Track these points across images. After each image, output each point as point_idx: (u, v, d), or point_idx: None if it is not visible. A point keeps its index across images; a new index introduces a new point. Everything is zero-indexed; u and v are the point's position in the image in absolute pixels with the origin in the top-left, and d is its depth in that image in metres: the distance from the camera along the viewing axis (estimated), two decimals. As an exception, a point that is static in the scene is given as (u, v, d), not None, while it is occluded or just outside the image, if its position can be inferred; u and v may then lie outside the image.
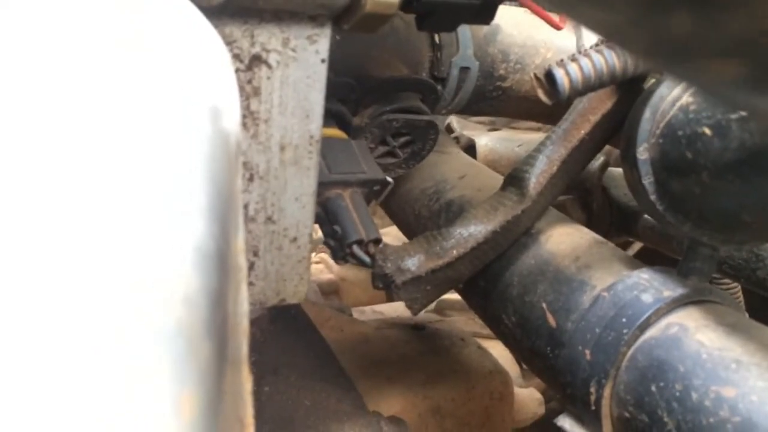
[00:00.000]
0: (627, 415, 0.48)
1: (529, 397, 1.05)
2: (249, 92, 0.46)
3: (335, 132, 0.64)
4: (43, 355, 0.18)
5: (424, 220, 0.73)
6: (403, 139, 0.71)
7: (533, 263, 0.57)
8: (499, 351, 1.03)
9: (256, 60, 0.45)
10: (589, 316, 0.50)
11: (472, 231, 0.57)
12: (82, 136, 0.27)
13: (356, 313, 1.38)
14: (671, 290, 0.49)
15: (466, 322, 1.25)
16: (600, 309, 0.50)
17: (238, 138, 0.39)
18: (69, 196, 0.22)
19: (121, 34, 0.33)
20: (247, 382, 0.30)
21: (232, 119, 0.38)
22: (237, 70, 0.45)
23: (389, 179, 0.63)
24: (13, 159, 0.22)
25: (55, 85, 0.28)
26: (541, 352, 0.54)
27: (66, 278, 0.20)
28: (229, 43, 0.44)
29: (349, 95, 0.68)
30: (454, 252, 0.57)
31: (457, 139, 1.07)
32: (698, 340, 0.46)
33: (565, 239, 0.57)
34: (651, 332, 0.48)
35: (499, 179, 0.72)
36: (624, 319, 0.48)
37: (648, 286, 0.50)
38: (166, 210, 0.26)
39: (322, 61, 0.47)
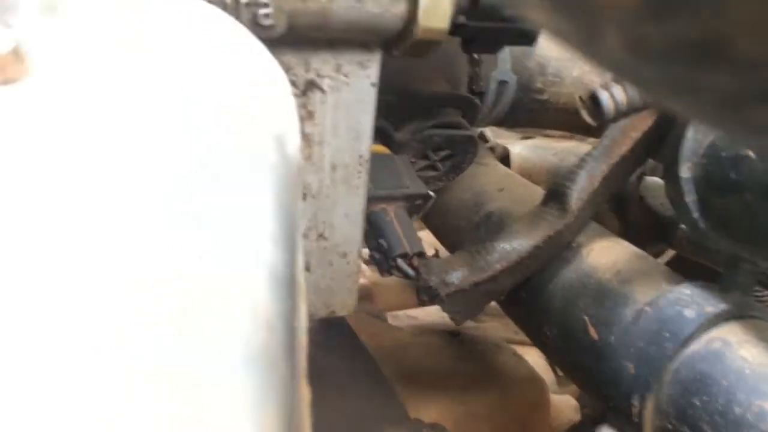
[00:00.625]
0: (669, 427, 0.49)
1: (564, 403, 1.06)
2: (303, 116, 0.48)
3: (379, 148, 0.66)
4: (146, 378, 0.20)
5: (464, 231, 0.75)
6: (443, 153, 0.73)
7: (575, 276, 0.58)
8: (533, 357, 1.04)
9: (311, 85, 0.47)
10: (632, 330, 0.52)
11: (515, 245, 0.59)
12: (160, 165, 0.29)
13: (391, 318, 1.40)
14: (713, 306, 0.50)
15: (501, 328, 1.27)
16: (643, 323, 0.51)
17: (299, 163, 0.41)
18: (151, 227, 0.25)
19: (190, 66, 0.35)
20: (306, 394, 0.32)
21: (293, 145, 0.40)
22: (292, 95, 0.47)
23: (431, 194, 0.65)
24: (102, 192, 0.24)
25: (130, 111, 0.30)
26: (583, 364, 0.56)
27: (159, 310, 0.22)
28: (285, 70, 0.46)
29: (392, 111, 0.69)
30: (498, 266, 0.58)
31: (492, 149, 1.08)
32: (741, 355, 0.47)
33: (605, 253, 0.59)
34: (694, 347, 0.49)
35: (537, 191, 0.74)
36: (667, 334, 0.50)
37: (690, 301, 0.51)
38: (243, 240, 0.28)
39: (372, 85, 0.49)
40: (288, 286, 0.29)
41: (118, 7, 0.35)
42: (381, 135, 0.68)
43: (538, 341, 0.63)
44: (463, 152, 0.73)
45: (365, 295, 1.53)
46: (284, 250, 0.30)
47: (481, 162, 0.85)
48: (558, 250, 0.59)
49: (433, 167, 0.73)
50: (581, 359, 0.56)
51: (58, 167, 0.24)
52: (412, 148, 0.71)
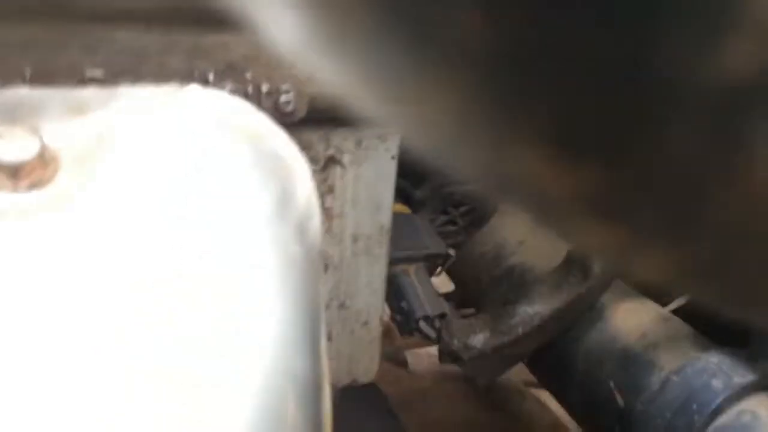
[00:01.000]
0: (700, 500, 0.48)
1: (589, 451, 1.04)
2: (324, 190, 0.48)
3: (398, 207, 0.67)
4: None
5: (485, 285, 0.75)
6: (463, 208, 0.73)
7: (599, 339, 0.58)
8: (556, 404, 1.03)
9: (331, 161, 0.48)
10: (659, 400, 0.51)
11: (537, 309, 0.58)
12: (185, 272, 0.29)
13: (410, 356, 1.39)
14: (741, 376, 0.49)
15: (522, 370, 1.26)
16: (670, 393, 0.51)
17: (320, 245, 0.41)
18: (179, 344, 0.25)
19: (206, 159, 0.35)
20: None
21: (315, 230, 0.40)
22: (312, 171, 0.48)
23: (451, 253, 0.65)
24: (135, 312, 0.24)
25: (151, 212, 0.31)
26: (609, 430, 0.55)
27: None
28: (305, 148, 0.46)
29: (411, 169, 0.70)
30: (520, 330, 0.58)
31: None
32: (772, 429, 0.46)
33: (630, 315, 0.58)
34: (722, 419, 0.48)
35: (558, 244, 0.73)
36: (695, 405, 0.49)
37: (717, 370, 0.50)
38: (273, 353, 0.28)
39: (393, 157, 0.49)
40: (315, 389, 0.29)
41: (142, 103, 0.35)
42: (400, 194, 0.68)
43: (564, 404, 0.62)
44: (483, 206, 0.73)
45: (384, 332, 1.52)
46: (311, 352, 0.30)
47: (500, 211, 0.85)
48: (581, 312, 0.59)
49: (452, 222, 0.74)
50: (608, 426, 0.55)
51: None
52: (431, 206, 0.71)
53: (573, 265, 0.60)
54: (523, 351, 0.59)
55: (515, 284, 0.69)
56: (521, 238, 0.78)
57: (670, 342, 0.55)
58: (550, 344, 0.61)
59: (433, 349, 1.51)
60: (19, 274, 0.27)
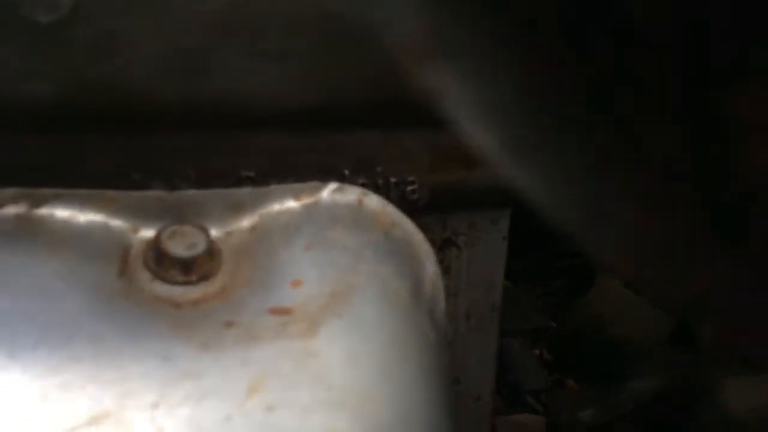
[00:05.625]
0: None
1: None
2: (440, 271, 0.51)
3: (501, 281, 0.68)
4: None
5: (584, 357, 0.75)
6: (562, 281, 0.74)
7: (712, 419, 0.57)
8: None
9: (447, 242, 0.51)
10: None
11: (645, 384, 0.58)
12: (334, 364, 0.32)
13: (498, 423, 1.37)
14: None
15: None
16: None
17: (446, 327, 0.43)
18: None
19: (345, 248, 0.39)
20: None
21: (441, 312, 0.42)
22: (431, 253, 0.51)
23: (553, 324, 0.66)
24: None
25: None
26: None
27: None
28: (424, 231, 0.49)
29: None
30: (629, 406, 0.58)
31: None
32: None
33: (746, 394, 0.58)
34: None
35: (658, 316, 0.73)
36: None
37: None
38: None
39: (504, 238, 0.52)
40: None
41: (290, 200, 0.39)
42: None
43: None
44: (582, 278, 0.74)
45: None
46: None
47: (598, 283, 0.85)
48: (692, 389, 0.59)
49: (552, 294, 0.75)
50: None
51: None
52: (531, 278, 0.73)
53: (682, 340, 0.60)
54: (632, 428, 0.59)
55: (616, 357, 0.69)
56: (620, 309, 0.78)
57: (788, 421, 0.54)
58: (660, 423, 0.60)
59: (521, 417, 1.49)
60: (203, 358, 0.31)
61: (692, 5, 0.09)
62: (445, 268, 0.51)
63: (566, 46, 0.10)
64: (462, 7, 0.10)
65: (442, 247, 0.50)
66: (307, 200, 0.39)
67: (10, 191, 0.33)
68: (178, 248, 0.35)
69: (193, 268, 0.35)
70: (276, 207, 0.38)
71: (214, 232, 0.36)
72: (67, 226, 0.35)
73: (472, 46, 0.11)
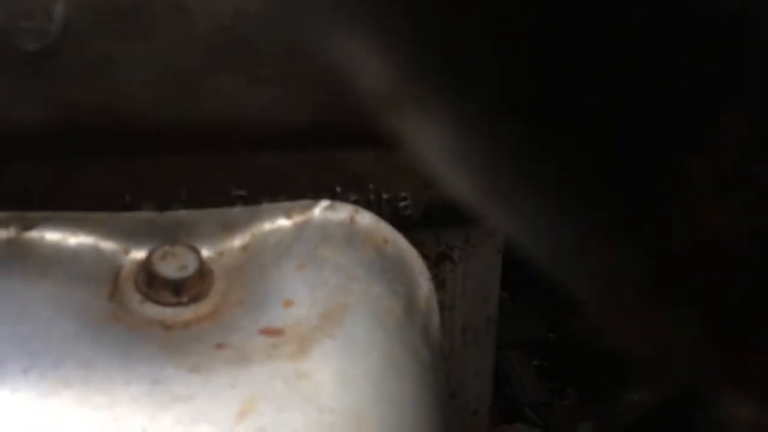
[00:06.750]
0: None
1: None
2: (435, 285, 0.51)
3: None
4: None
5: (583, 368, 0.75)
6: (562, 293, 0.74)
7: (712, 428, 0.57)
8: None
9: (442, 256, 0.50)
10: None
11: (645, 397, 0.58)
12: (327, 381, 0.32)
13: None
14: None
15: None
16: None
17: (441, 343, 0.43)
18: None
19: (337, 266, 0.38)
20: None
21: (436, 328, 0.42)
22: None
23: (552, 336, 0.66)
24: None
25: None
26: None
27: None
28: (418, 245, 0.49)
29: (506, 253, 0.72)
30: (626, 419, 0.58)
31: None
32: None
33: (747, 407, 0.57)
34: None
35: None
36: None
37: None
38: None
39: (498, 251, 0.52)
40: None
41: (281, 218, 0.39)
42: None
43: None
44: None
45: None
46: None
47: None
48: (692, 401, 0.58)
49: (551, 305, 0.74)
50: None
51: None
52: (530, 289, 0.72)
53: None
54: (631, 440, 0.59)
55: (615, 369, 0.69)
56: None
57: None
58: (659, 433, 0.60)
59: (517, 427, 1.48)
60: (191, 379, 0.30)
61: (653, 66, 0.09)
62: (440, 283, 0.51)
63: (530, 106, 0.10)
64: (427, 61, 0.10)
65: (436, 261, 0.50)
66: (298, 218, 0.39)
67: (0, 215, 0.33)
68: (169, 269, 0.35)
69: (184, 290, 0.35)
70: (268, 226, 0.38)
71: (206, 252, 0.36)
72: (58, 249, 0.34)
73: (438, 98, 0.11)
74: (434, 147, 0.12)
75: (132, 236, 0.36)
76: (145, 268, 0.35)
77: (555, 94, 0.10)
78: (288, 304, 0.34)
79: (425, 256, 0.51)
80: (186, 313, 0.34)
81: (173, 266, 0.35)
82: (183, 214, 0.37)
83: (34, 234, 0.34)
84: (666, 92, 0.09)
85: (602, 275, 0.13)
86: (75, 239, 0.35)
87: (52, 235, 0.34)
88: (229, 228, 0.37)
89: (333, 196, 0.41)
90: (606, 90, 0.09)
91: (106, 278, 0.35)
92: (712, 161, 0.09)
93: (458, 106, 0.11)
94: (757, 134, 0.09)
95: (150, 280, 0.35)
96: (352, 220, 0.40)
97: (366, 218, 0.41)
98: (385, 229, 0.41)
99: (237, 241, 0.37)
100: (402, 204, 0.44)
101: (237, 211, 0.38)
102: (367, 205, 0.42)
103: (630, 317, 0.13)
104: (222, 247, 0.37)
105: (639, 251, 0.11)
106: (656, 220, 0.10)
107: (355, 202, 0.42)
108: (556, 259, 0.14)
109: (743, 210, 0.10)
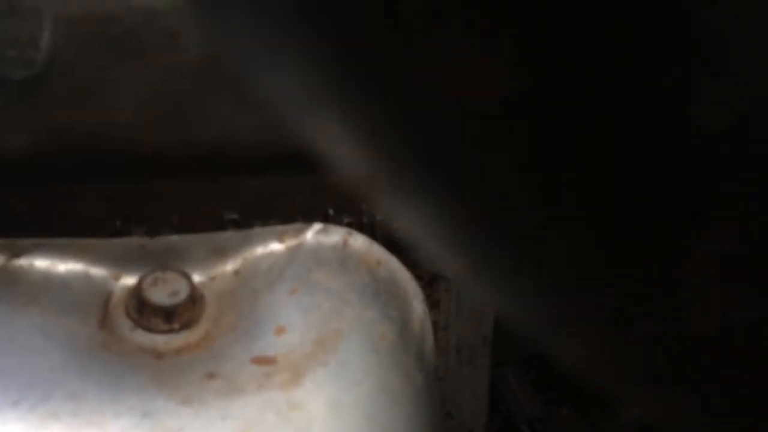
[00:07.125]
0: None
1: None
2: (429, 305, 0.50)
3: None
4: None
5: (583, 386, 0.74)
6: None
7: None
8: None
9: (436, 277, 0.50)
10: None
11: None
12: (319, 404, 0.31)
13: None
14: None
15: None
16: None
17: (435, 365, 0.43)
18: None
19: (330, 291, 0.38)
20: None
21: (430, 351, 0.42)
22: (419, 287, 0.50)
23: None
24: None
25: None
26: None
27: None
28: (412, 266, 0.49)
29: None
30: (623, 434, 0.58)
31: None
32: None
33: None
34: None
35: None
36: None
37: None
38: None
39: (493, 270, 0.51)
40: None
41: (273, 242, 0.39)
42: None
43: None
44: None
45: None
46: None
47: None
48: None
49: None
50: None
51: None
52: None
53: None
54: (628, 456, 0.59)
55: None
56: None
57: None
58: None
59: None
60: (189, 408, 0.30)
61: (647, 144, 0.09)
62: (435, 303, 0.51)
63: (516, 191, 0.10)
64: (400, 151, 0.10)
65: (430, 281, 0.50)
66: (291, 242, 0.38)
67: (-12, 242, 0.33)
68: (160, 296, 0.34)
69: (176, 316, 0.34)
70: (260, 250, 0.38)
71: (197, 278, 0.36)
72: (47, 276, 0.34)
73: (414, 185, 0.11)
74: (414, 229, 0.12)
75: (122, 262, 0.36)
76: (136, 294, 0.35)
77: (554, 186, 0.09)
78: (280, 331, 0.34)
79: (419, 277, 0.51)
80: (177, 340, 0.34)
81: (164, 292, 0.35)
82: (174, 239, 0.37)
83: (23, 261, 0.34)
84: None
85: (603, 358, 0.13)
86: (64, 266, 0.35)
87: (41, 262, 0.34)
88: (221, 252, 0.37)
89: (326, 219, 0.41)
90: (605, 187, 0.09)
91: (96, 305, 0.34)
92: (703, 260, 0.09)
93: (433, 194, 0.11)
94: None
95: (141, 307, 0.34)
96: (345, 243, 0.40)
97: (359, 241, 0.40)
98: (378, 252, 0.41)
99: (229, 266, 0.37)
100: (396, 225, 0.44)
101: (229, 235, 0.38)
102: (361, 228, 0.42)
103: (632, 395, 0.13)
104: (214, 272, 0.36)
105: (645, 337, 0.11)
106: (664, 305, 0.10)
107: (349, 225, 0.41)
108: (550, 338, 0.14)
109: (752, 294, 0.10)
